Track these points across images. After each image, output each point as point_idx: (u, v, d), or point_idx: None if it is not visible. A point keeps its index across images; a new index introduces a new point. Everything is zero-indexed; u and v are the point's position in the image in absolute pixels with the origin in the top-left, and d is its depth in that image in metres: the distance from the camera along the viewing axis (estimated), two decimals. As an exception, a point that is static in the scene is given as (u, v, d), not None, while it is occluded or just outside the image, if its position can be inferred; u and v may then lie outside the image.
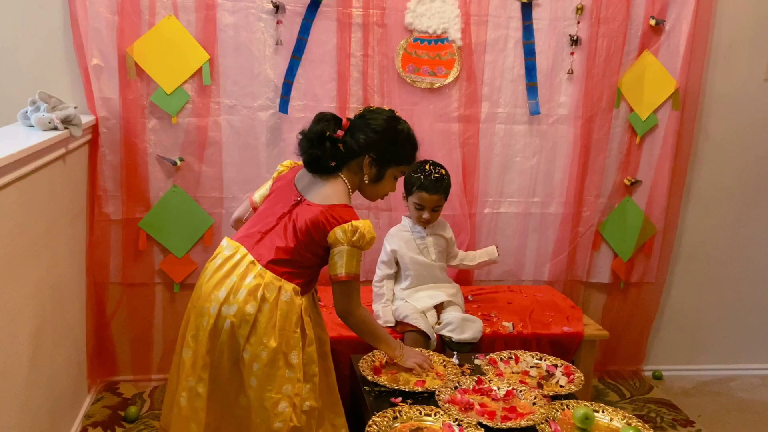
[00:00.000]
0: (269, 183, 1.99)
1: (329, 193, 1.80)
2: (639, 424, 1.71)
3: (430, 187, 2.37)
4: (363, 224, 1.76)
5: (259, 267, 1.76)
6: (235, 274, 1.76)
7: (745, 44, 2.86)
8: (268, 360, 1.72)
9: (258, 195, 1.99)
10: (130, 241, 2.66)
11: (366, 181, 1.86)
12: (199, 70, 2.57)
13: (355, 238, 1.75)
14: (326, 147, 1.80)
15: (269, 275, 1.75)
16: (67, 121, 2.16)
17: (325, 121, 1.83)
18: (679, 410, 2.80)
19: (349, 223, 1.75)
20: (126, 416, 2.54)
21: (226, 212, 2.70)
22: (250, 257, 1.78)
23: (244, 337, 1.72)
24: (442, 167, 2.44)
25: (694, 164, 2.96)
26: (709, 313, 3.13)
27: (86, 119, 2.39)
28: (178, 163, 2.62)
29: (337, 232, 1.75)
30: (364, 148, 1.82)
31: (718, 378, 3.13)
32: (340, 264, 1.76)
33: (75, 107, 2.23)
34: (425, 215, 2.40)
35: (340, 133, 1.83)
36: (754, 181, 3.01)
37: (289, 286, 1.76)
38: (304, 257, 1.79)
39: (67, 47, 2.49)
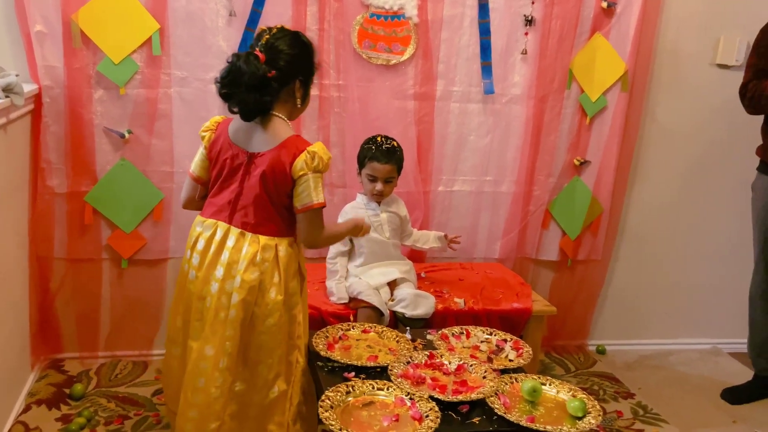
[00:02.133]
0: (201, 152, 1.90)
1: (272, 135, 1.78)
2: (584, 396, 1.77)
3: (381, 157, 2.38)
4: (317, 147, 1.77)
5: (249, 235, 1.78)
6: (227, 250, 1.78)
7: (692, 29, 2.94)
8: (278, 315, 1.80)
9: (195, 167, 1.92)
10: (75, 215, 2.58)
11: (299, 105, 1.84)
12: (149, 40, 2.49)
13: (315, 163, 1.75)
14: (273, 88, 1.74)
15: (263, 239, 1.79)
16: (8, 90, 2.07)
17: (253, 63, 1.70)
18: (621, 383, 2.90)
19: (305, 152, 1.75)
20: (71, 394, 2.48)
21: (176, 187, 2.64)
22: (235, 229, 1.80)
23: (253, 302, 1.78)
24: (394, 140, 2.45)
25: (640, 146, 3.04)
26: (651, 290, 3.24)
27: (28, 88, 2.29)
28: (127, 135, 2.55)
29: (298, 165, 1.74)
30: (292, 74, 1.78)
31: (658, 352, 3.25)
32: (306, 194, 1.77)
33: (17, 75, 2.13)
34: (378, 186, 2.41)
35: (273, 72, 1.73)
36: (697, 163, 3.11)
37: (284, 242, 1.82)
38: (283, 203, 1.81)
39: (8, 12, 2.38)
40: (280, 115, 1.81)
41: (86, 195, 2.57)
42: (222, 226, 1.81)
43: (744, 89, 2.57)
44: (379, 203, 2.48)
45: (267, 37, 1.78)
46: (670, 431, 2.55)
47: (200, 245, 1.82)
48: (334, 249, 2.49)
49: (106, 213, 2.61)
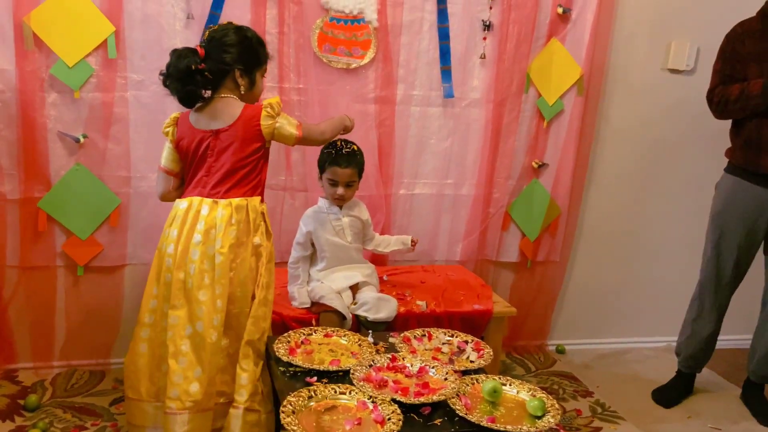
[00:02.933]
0: (168, 146, 2.12)
1: (229, 114, 2.00)
2: (543, 395, 1.80)
3: (342, 161, 2.38)
4: (266, 102, 2.01)
5: (221, 201, 1.99)
6: (202, 218, 1.97)
7: (644, 35, 3.02)
8: (248, 267, 2.00)
9: (165, 161, 2.14)
10: (28, 221, 2.52)
11: (243, 92, 2.06)
12: (104, 43, 2.45)
13: (275, 110, 2.01)
14: (197, 80, 1.98)
15: (235, 201, 1.99)
16: (-44, 93, 2.01)
17: (186, 56, 1.97)
18: (579, 382, 2.96)
19: (262, 110, 1.99)
20: (26, 405, 2.42)
21: (134, 192, 2.60)
22: (207, 200, 1.99)
23: (234, 259, 1.97)
24: (354, 144, 2.46)
25: (596, 148, 3.11)
26: (607, 290, 3.31)
27: (-22, 91, 2.23)
28: (81, 140, 2.49)
29: (265, 123, 1.99)
30: (231, 64, 2.01)
31: (615, 351, 3.33)
32: (287, 131, 2.03)
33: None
34: (339, 191, 2.41)
35: (202, 65, 1.98)
36: (650, 164, 3.20)
37: (253, 201, 2.02)
38: (251, 162, 2.01)
39: (-45, 13, 2.32)
40: (232, 96, 2.04)
41: (40, 201, 2.51)
42: (195, 200, 2.00)
43: (711, 95, 2.62)
44: (340, 207, 2.48)
45: (208, 32, 2.02)
46: (628, 428, 2.60)
47: (178, 219, 1.99)
48: (295, 254, 2.48)
49: (61, 219, 2.55)
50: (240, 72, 2.03)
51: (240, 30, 2.04)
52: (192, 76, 1.96)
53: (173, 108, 2.54)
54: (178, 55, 1.97)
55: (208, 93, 2.05)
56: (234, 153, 1.99)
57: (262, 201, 2.07)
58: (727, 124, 2.69)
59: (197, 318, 1.94)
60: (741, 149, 2.59)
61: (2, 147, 2.43)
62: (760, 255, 2.72)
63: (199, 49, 1.99)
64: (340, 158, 2.38)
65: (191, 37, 2.51)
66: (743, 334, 3.20)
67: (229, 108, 2.01)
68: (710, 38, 2.77)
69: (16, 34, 2.35)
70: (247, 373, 1.99)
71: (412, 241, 2.64)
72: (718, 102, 2.57)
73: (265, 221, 2.07)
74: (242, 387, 1.98)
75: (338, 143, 2.41)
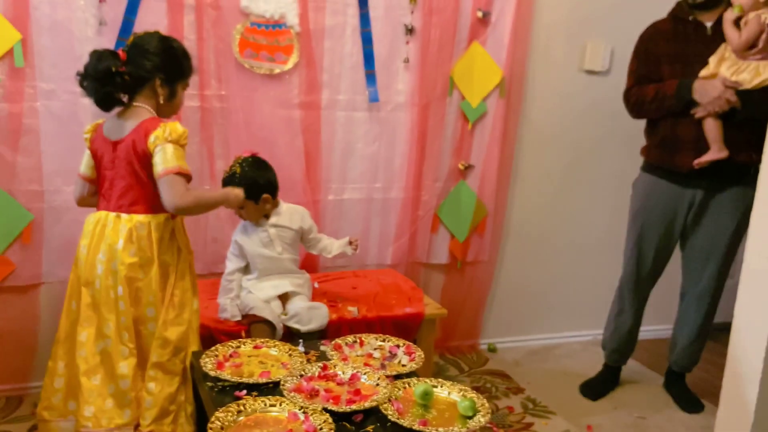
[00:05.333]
0: (87, 152, 2.09)
1: (132, 122, 1.96)
2: (474, 395, 1.82)
3: (224, 185, 2.32)
4: (171, 123, 1.93)
5: (124, 216, 1.96)
6: (107, 234, 1.95)
7: (561, 37, 3.11)
8: (156, 287, 1.97)
9: (83, 167, 2.11)
10: (-69, 241, 2.36)
11: (162, 102, 2.01)
12: (10, 51, 2.32)
13: (166, 134, 1.90)
14: (116, 82, 1.94)
15: (136, 217, 1.96)
16: None
17: (106, 57, 1.93)
18: (511, 379, 3.01)
19: (158, 127, 1.91)
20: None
21: (47, 206, 2.48)
22: (112, 214, 1.97)
23: (135, 277, 1.95)
24: (238, 164, 2.33)
25: (519, 149, 3.17)
26: (535, 287, 3.38)
27: None
28: (-12, 153, 2.36)
29: (151, 138, 1.90)
30: (152, 72, 1.97)
31: (545, 346, 3.40)
32: (162, 161, 1.90)
33: None
34: (236, 213, 2.40)
35: (123, 68, 1.94)
36: (571, 163, 3.29)
37: (156, 218, 1.97)
38: (152, 178, 1.94)
39: None
40: (145, 106, 1.99)
41: (-57, 219, 2.36)
42: (102, 214, 1.99)
43: (627, 95, 2.68)
44: (267, 218, 2.42)
45: (134, 36, 2.02)
46: (558, 422, 2.67)
47: (87, 235, 1.99)
48: (230, 266, 2.42)
49: (-32, 238, 2.40)
50: (161, 81, 1.99)
51: (165, 39, 2.01)
52: (111, 78, 1.92)
53: (87, 118, 2.47)
54: (97, 56, 1.93)
55: (126, 98, 2.00)
56: (129, 166, 1.95)
57: (173, 217, 2.02)
58: (644, 122, 2.79)
59: (106, 335, 1.95)
60: (657, 148, 2.66)
61: None
62: (677, 250, 2.83)
63: (120, 52, 1.95)
64: (222, 183, 2.35)
65: (104, 44, 2.40)
66: (663, 325, 3.34)
67: (133, 118, 1.97)
68: (624, 39, 2.88)
69: None
70: (152, 396, 1.97)
71: (350, 242, 2.56)
72: (635, 102, 2.65)
73: (176, 238, 2.03)
74: (147, 410, 1.96)
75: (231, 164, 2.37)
